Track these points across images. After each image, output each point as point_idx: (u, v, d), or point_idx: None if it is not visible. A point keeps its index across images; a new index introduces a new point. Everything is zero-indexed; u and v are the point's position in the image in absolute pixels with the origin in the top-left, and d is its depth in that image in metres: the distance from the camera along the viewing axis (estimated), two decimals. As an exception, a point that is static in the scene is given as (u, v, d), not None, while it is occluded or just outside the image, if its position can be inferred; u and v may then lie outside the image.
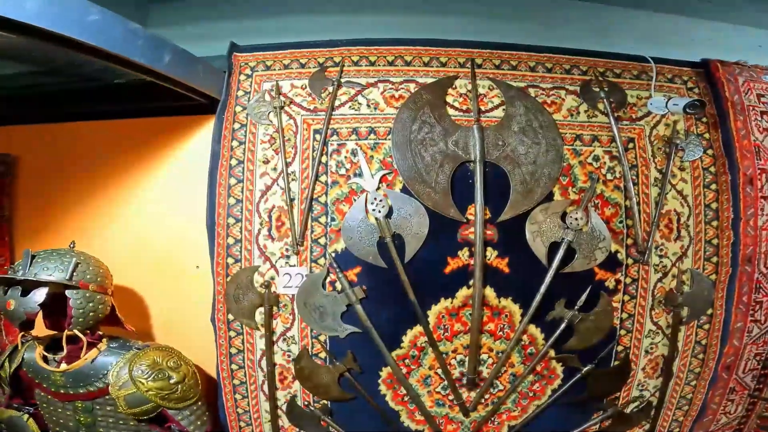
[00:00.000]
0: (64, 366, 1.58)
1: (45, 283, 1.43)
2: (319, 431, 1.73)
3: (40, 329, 1.65)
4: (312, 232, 1.62)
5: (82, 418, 1.61)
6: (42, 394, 1.64)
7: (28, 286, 1.44)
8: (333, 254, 1.61)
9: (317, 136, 1.64)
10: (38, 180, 1.83)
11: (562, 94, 1.65)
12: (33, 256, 1.46)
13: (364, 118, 1.65)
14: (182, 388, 1.61)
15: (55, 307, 1.52)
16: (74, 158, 1.80)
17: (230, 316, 1.66)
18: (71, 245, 1.57)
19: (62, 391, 1.58)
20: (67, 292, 1.47)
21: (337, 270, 1.59)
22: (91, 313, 1.51)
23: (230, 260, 1.65)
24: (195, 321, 1.75)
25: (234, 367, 1.71)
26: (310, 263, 1.62)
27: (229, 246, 1.64)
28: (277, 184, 1.64)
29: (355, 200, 1.61)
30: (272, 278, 1.64)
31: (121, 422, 1.61)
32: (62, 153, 1.81)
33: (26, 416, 1.70)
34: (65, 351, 1.56)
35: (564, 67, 1.67)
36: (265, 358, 1.68)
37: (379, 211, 1.58)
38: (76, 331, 1.51)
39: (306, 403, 1.71)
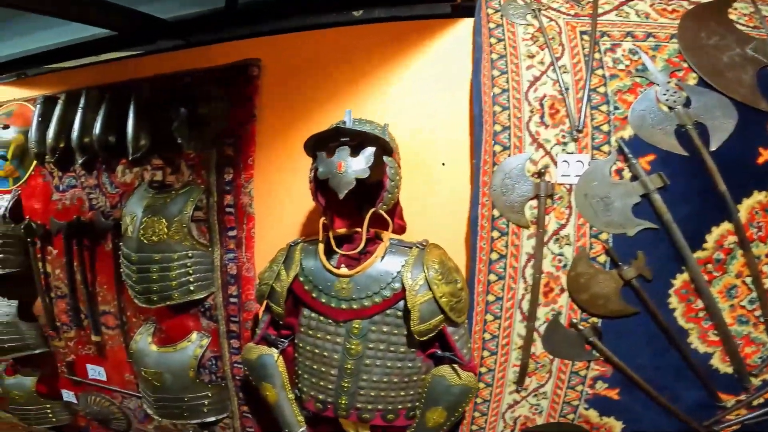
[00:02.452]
0: (345, 270, 1.39)
1: (370, 142, 1.29)
2: (580, 356, 1.49)
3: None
4: (592, 119, 1.50)
5: (353, 346, 1.39)
6: (313, 315, 1.44)
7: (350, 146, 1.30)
8: (620, 140, 1.47)
9: (585, 36, 1.57)
10: (281, 84, 1.85)
11: None
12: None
13: (636, 24, 1.57)
14: (464, 296, 1.42)
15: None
16: (318, 63, 1.81)
17: (495, 212, 1.52)
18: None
19: (344, 307, 1.39)
20: (385, 158, 1.34)
21: (630, 155, 1.43)
22: (396, 190, 1.37)
23: (497, 147, 1.54)
24: (441, 227, 1.62)
25: (492, 278, 1.53)
26: (591, 150, 1.49)
27: (497, 133, 1.54)
28: (547, 75, 1.55)
29: (641, 92, 1.49)
30: (546, 167, 1.50)
31: (391, 349, 1.40)
32: (306, 59, 1.83)
33: (277, 354, 1.53)
34: (363, 242, 1.36)
35: None
36: (531, 263, 1.49)
37: (675, 101, 1.44)
38: (382, 212, 1.35)
39: (574, 321, 1.49)
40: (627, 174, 1.45)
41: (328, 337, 1.42)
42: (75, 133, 1.90)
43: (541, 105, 1.53)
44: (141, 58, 2.07)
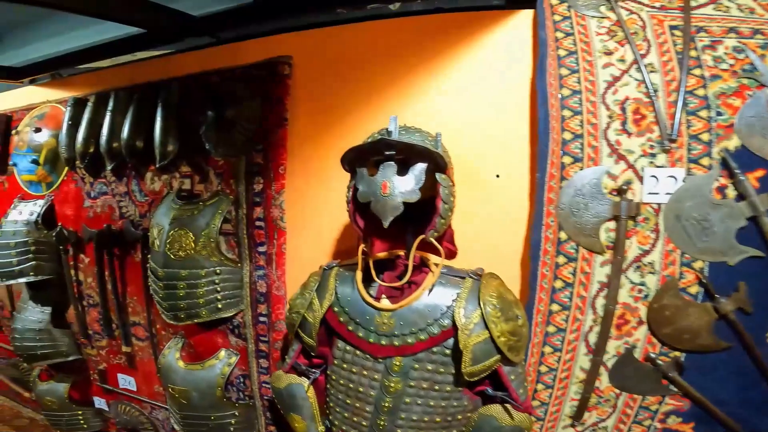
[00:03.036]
0: (386, 303, 1.21)
1: (421, 157, 1.08)
2: (654, 391, 1.29)
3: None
4: (689, 126, 1.25)
5: (392, 384, 1.21)
6: (349, 348, 1.27)
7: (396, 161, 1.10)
8: (724, 152, 1.21)
9: (675, 32, 1.32)
10: (314, 84, 1.68)
11: None
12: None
13: (739, 20, 1.30)
14: (524, 333, 1.21)
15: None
16: (353, 61, 1.63)
17: (562, 235, 1.30)
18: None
19: (383, 343, 1.21)
20: (438, 176, 1.13)
21: (736, 170, 1.18)
22: (449, 214, 1.17)
23: (567, 159, 1.31)
24: (493, 248, 1.42)
25: (555, 307, 1.32)
26: (687, 164, 1.23)
27: (566, 142, 1.31)
28: (629, 75, 1.31)
29: (749, 95, 1.23)
30: (629, 182, 1.27)
31: (435, 388, 1.21)
32: (340, 56, 1.65)
33: (307, 385, 1.38)
34: (408, 274, 1.17)
35: None
36: (604, 293, 1.27)
37: (791, 106, 1.18)
38: (432, 239, 1.15)
39: (652, 356, 1.27)
40: (731, 192, 1.20)
41: (365, 372, 1.26)
42: (103, 138, 1.81)
43: (623, 109, 1.29)
44: (169, 57, 1.97)
